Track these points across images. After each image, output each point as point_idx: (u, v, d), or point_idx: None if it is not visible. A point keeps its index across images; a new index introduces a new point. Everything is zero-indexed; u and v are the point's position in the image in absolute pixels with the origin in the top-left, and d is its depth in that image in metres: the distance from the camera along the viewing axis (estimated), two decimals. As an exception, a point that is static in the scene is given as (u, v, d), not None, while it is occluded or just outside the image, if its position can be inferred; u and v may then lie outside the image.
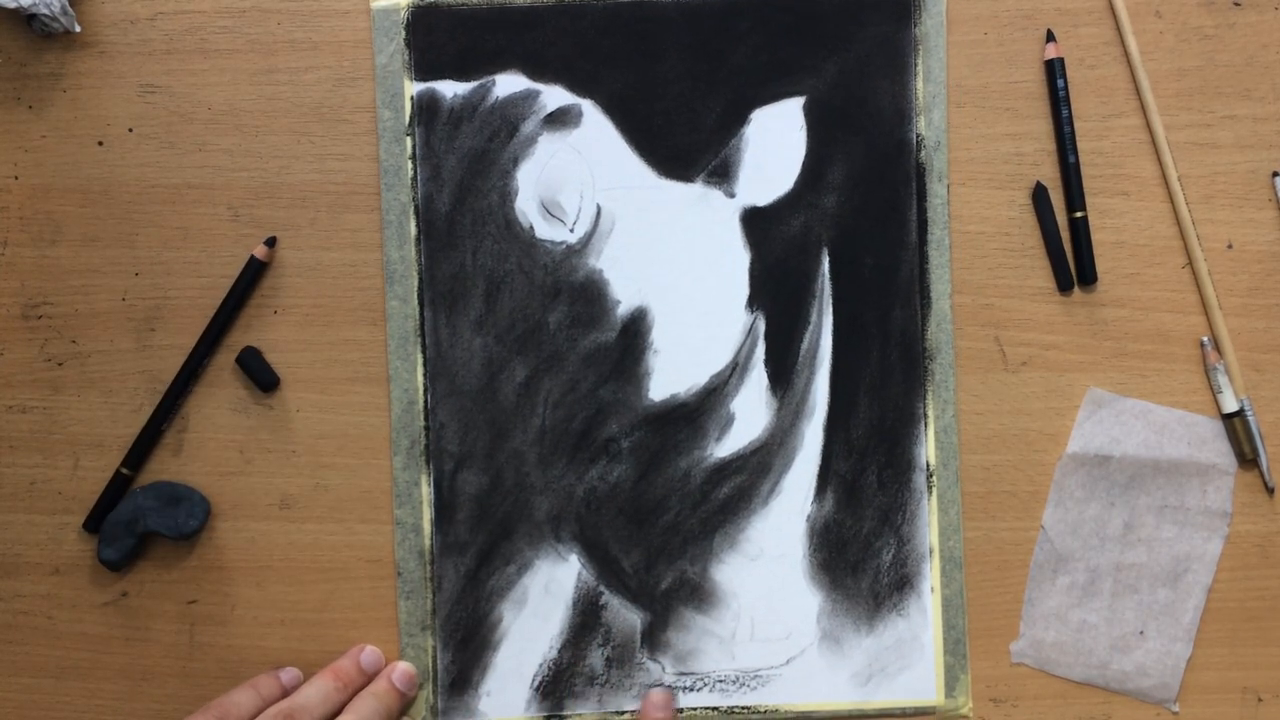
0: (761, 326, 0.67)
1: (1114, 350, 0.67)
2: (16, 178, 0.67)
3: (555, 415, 0.66)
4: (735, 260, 0.67)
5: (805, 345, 0.67)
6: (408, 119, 0.66)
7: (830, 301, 0.67)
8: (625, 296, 0.66)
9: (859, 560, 0.67)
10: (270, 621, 0.67)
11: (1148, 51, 0.67)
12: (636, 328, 0.66)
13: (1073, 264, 0.67)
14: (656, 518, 0.67)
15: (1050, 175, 0.67)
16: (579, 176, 0.66)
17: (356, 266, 0.67)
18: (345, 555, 0.67)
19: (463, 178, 0.66)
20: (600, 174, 0.66)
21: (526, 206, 0.66)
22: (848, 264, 0.67)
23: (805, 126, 0.67)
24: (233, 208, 0.66)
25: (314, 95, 0.67)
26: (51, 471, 0.67)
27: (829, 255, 0.67)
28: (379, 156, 0.66)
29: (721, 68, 0.66)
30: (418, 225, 0.66)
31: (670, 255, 0.67)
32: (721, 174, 0.66)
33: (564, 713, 0.66)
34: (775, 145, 0.67)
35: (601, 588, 0.66)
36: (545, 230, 0.66)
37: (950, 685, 0.67)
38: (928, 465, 0.67)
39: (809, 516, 0.67)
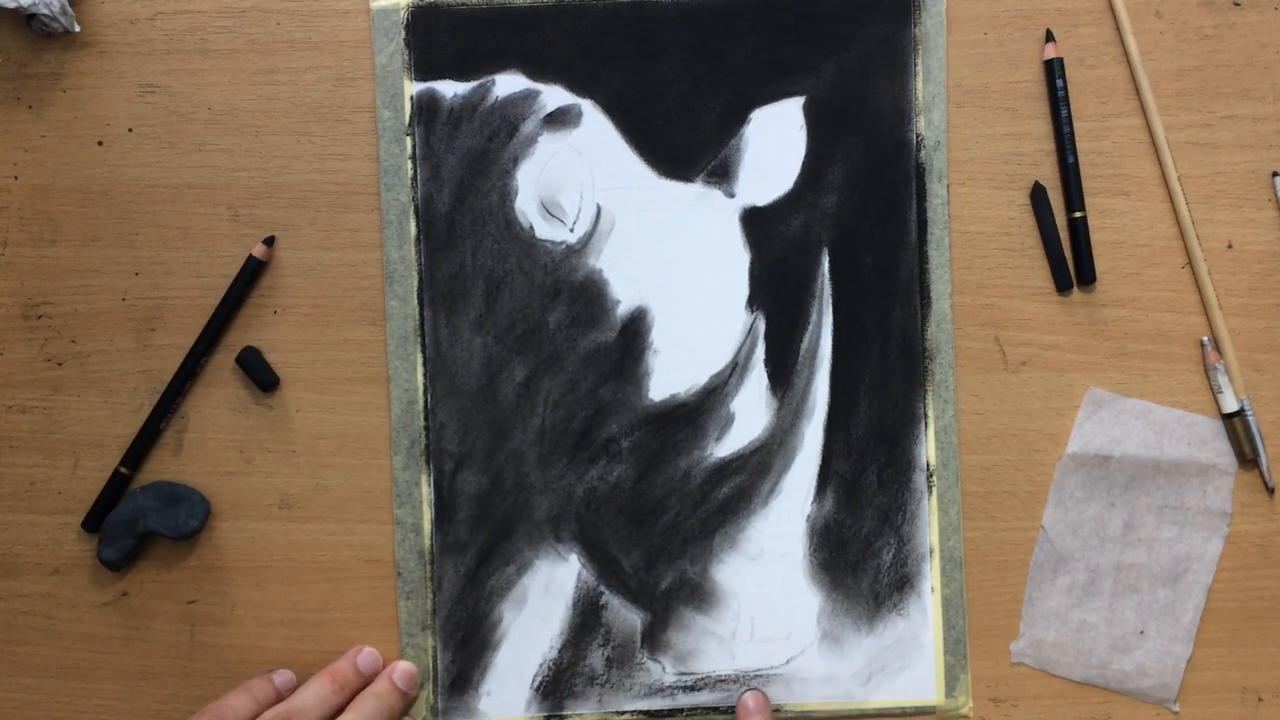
0: (761, 326, 0.67)
1: (1114, 350, 0.67)
2: (16, 178, 0.67)
3: (555, 415, 0.66)
4: (735, 260, 0.67)
5: (805, 345, 0.67)
6: (407, 119, 0.66)
7: (830, 301, 0.67)
8: (625, 296, 0.66)
9: (859, 560, 0.67)
10: (270, 621, 0.67)
11: (1148, 51, 0.67)
12: (636, 328, 0.66)
13: (1072, 264, 0.67)
14: (656, 518, 0.67)
15: (1050, 175, 0.67)
16: (579, 176, 0.66)
17: (356, 266, 0.67)
18: (345, 555, 0.67)
19: (462, 178, 0.66)
20: (600, 174, 0.66)
21: (526, 206, 0.66)
22: (848, 264, 0.67)
23: (805, 126, 0.67)
24: (232, 208, 0.66)
25: (314, 95, 0.67)
26: (51, 471, 0.67)
27: (829, 255, 0.67)
28: (379, 156, 0.66)
29: (721, 68, 0.66)
30: (417, 225, 0.66)
31: (670, 255, 0.67)
32: (721, 174, 0.66)
33: (564, 713, 0.66)
34: (775, 145, 0.67)
35: (601, 588, 0.66)
36: (545, 230, 0.66)
37: (950, 685, 0.67)
38: (928, 465, 0.67)
39: (809, 516, 0.67)
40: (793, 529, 0.67)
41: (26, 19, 0.65)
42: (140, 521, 0.65)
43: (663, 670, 0.67)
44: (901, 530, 0.67)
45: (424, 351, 0.66)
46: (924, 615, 0.67)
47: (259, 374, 0.66)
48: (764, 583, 0.67)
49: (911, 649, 0.67)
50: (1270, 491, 0.67)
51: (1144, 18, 0.67)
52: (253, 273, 0.66)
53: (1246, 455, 0.67)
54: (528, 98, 0.66)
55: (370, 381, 0.67)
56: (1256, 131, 0.67)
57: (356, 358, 0.67)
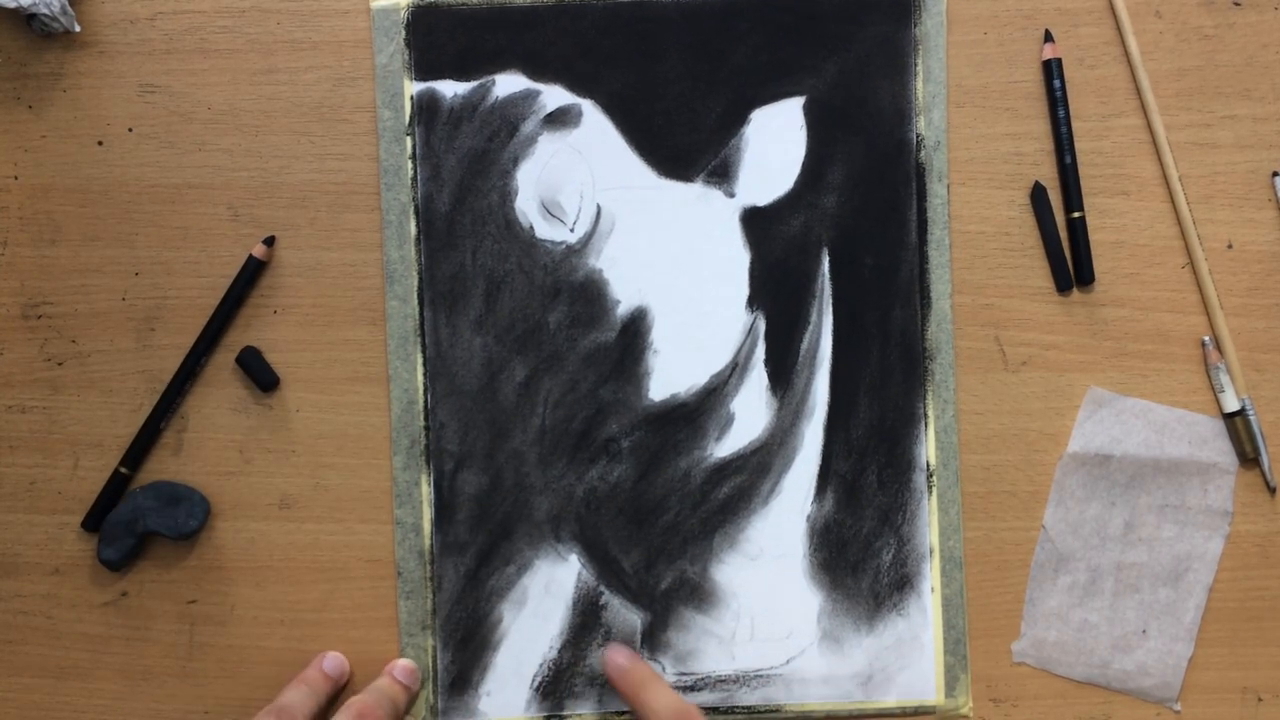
0: (761, 326, 0.67)
1: (1114, 350, 0.67)
2: (16, 178, 0.67)
3: (555, 415, 0.66)
4: (735, 260, 0.67)
5: (805, 345, 0.67)
6: (408, 119, 0.66)
7: (830, 301, 0.67)
8: (625, 296, 0.66)
9: (859, 560, 0.67)
10: (270, 621, 0.67)
11: (1148, 51, 0.67)
12: (636, 327, 0.66)
13: (1071, 264, 0.67)
14: (656, 518, 0.66)
15: (1050, 175, 0.67)
16: (579, 176, 0.66)
17: (356, 266, 0.67)
18: (345, 555, 0.67)
19: (463, 177, 0.66)
20: (600, 174, 0.66)
21: (526, 206, 0.66)
22: (848, 264, 0.67)
23: (805, 126, 0.67)
24: (232, 207, 0.66)
25: (314, 95, 0.67)
26: (51, 471, 0.67)
27: (829, 255, 0.67)
28: (379, 156, 0.66)
29: (721, 68, 0.66)
30: (418, 225, 0.66)
31: (670, 255, 0.67)
32: (721, 174, 0.66)
33: (564, 713, 0.66)
34: (775, 145, 0.67)
35: (601, 588, 0.66)
36: (545, 230, 0.66)
37: (950, 685, 0.67)
38: (928, 465, 0.67)
39: (809, 516, 0.67)
40: (793, 529, 0.67)
41: (26, 19, 0.65)
42: (140, 521, 0.65)
43: (663, 670, 0.66)
44: (901, 530, 0.67)
45: (424, 351, 0.66)
46: (924, 615, 0.67)
47: (259, 374, 0.66)
48: (764, 583, 0.67)
49: (911, 649, 0.67)
50: (1271, 491, 0.67)
51: (1144, 18, 0.67)
52: (253, 273, 0.66)
53: (1247, 454, 0.67)
54: (528, 98, 0.66)
55: (370, 381, 0.67)
56: (1256, 131, 0.67)
57: (356, 357, 0.67)
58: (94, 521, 0.66)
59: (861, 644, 0.67)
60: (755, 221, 0.67)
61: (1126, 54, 0.67)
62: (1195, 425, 0.67)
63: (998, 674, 0.67)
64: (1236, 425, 0.66)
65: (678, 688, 0.66)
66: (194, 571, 0.67)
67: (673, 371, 0.67)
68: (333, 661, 0.65)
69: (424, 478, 0.66)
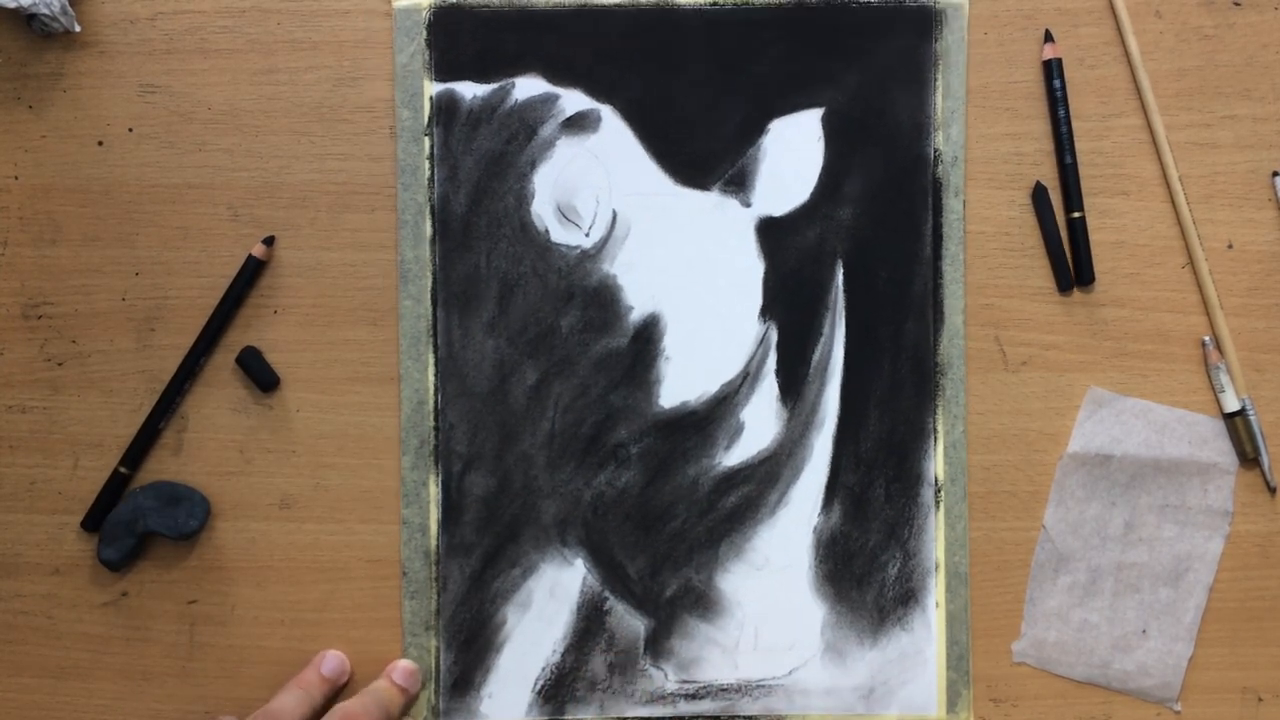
0: (774, 336, 0.67)
1: (1114, 350, 0.67)
2: (16, 178, 0.67)
3: (565, 419, 0.66)
4: (749, 269, 0.67)
5: (817, 356, 0.67)
6: (426, 119, 0.66)
7: (843, 313, 0.67)
8: (638, 302, 0.66)
9: (865, 573, 0.67)
10: (270, 621, 0.67)
11: (1148, 51, 0.67)
12: (649, 334, 0.66)
13: (1072, 264, 0.67)
14: (663, 525, 0.66)
15: (1050, 175, 0.67)
16: (596, 181, 0.66)
17: (357, 266, 0.67)
18: (345, 555, 0.67)
19: (480, 179, 0.66)
20: (617, 179, 0.66)
21: (542, 210, 0.66)
22: (862, 276, 0.67)
23: (823, 138, 0.67)
24: (232, 207, 0.66)
25: (314, 95, 0.67)
26: (51, 471, 0.67)
27: (843, 267, 0.67)
28: (396, 156, 0.66)
29: (741, 77, 0.66)
30: (433, 226, 0.66)
31: (685, 263, 0.66)
32: (738, 183, 0.66)
33: (565, 717, 0.66)
34: (793, 156, 0.67)
35: (606, 593, 0.66)
36: (560, 234, 0.66)
37: (952, 700, 0.67)
38: (936, 480, 0.67)
39: (816, 528, 0.67)
40: (799, 540, 0.67)
41: (26, 19, 0.65)
42: (140, 521, 0.65)
43: (665, 677, 0.66)
44: (908, 544, 0.67)
45: (435, 352, 0.66)
46: (928, 630, 0.67)
47: (259, 374, 0.66)
48: (769, 593, 0.67)
49: (914, 663, 0.67)
50: (1271, 491, 0.67)
51: (1144, 18, 0.67)
52: (252, 272, 0.66)
53: (1248, 454, 0.67)
54: (547, 101, 0.66)
55: (370, 381, 0.67)
56: (1256, 131, 0.67)
57: (357, 357, 0.67)
58: (94, 521, 0.66)
59: (864, 657, 0.67)
60: (770, 231, 0.67)
61: (1126, 54, 0.67)
62: (1195, 425, 0.67)
63: (998, 674, 0.67)
64: (1236, 425, 0.67)
65: (680, 695, 0.66)
66: (194, 571, 0.67)
67: (684, 379, 0.66)
68: (331, 662, 0.65)
69: (432, 478, 0.66)
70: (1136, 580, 0.67)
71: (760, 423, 0.66)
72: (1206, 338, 0.67)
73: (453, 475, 0.66)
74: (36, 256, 0.67)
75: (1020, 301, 0.67)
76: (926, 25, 0.66)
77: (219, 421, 0.67)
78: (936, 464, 0.67)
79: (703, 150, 0.66)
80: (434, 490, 0.66)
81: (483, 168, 0.66)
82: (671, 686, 0.66)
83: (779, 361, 0.66)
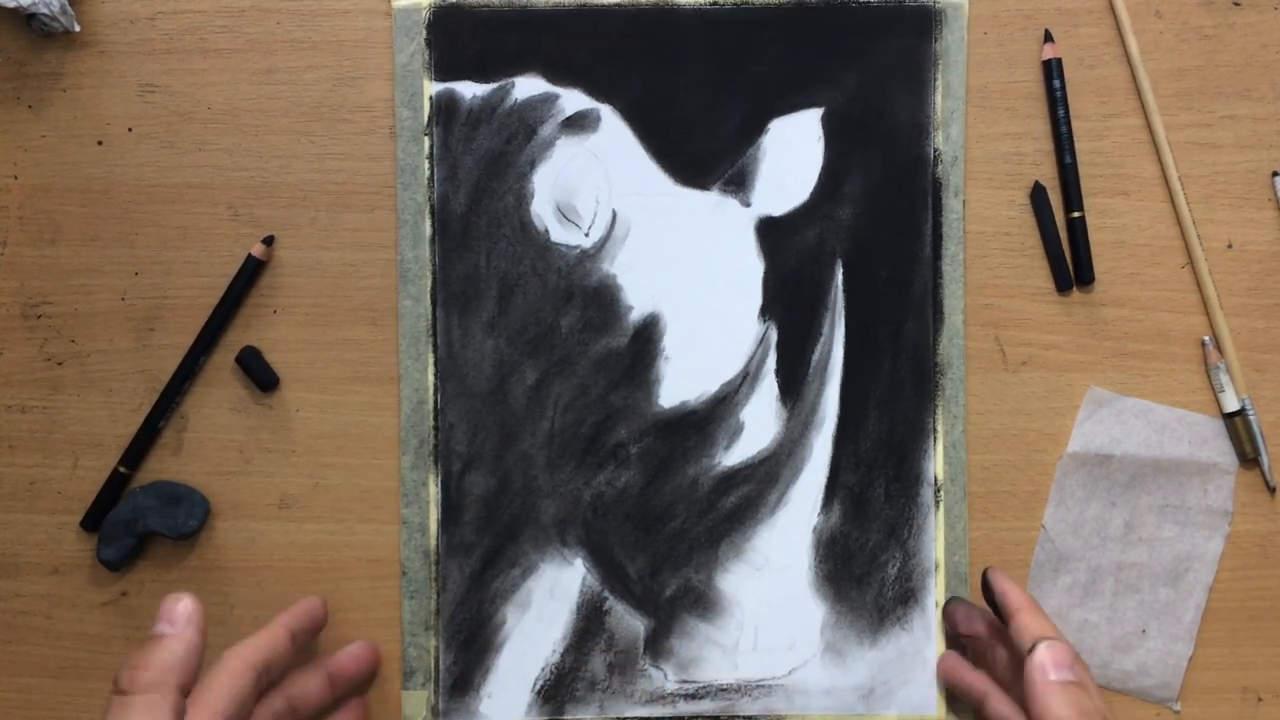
0: (773, 336, 0.67)
1: (1114, 350, 0.67)
2: (16, 177, 0.67)
3: (565, 419, 0.66)
4: (749, 269, 0.67)
5: (816, 356, 0.67)
6: (426, 119, 0.66)
7: (843, 313, 0.66)
8: (638, 302, 0.66)
9: (864, 573, 0.67)
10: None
11: (1148, 51, 0.67)
12: (649, 334, 0.66)
13: (1071, 264, 0.67)
14: (663, 524, 0.66)
15: (1050, 175, 0.67)
16: (595, 181, 0.66)
17: (356, 266, 0.67)
18: (345, 555, 0.67)
19: (479, 179, 0.66)
20: (617, 179, 0.66)
21: (542, 209, 0.66)
22: (861, 276, 0.67)
23: (823, 138, 0.67)
24: (232, 207, 0.66)
25: (314, 95, 0.67)
26: (51, 471, 0.67)
27: (843, 267, 0.67)
28: (396, 155, 0.66)
29: (741, 77, 0.66)
30: (433, 225, 0.66)
31: (684, 262, 0.66)
32: (738, 183, 0.66)
33: (564, 717, 0.66)
34: (792, 156, 0.67)
35: (606, 593, 0.66)
36: (560, 234, 0.66)
37: (951, 701, 0.67)
38: (935, 480, 0.67)
39: (815, 528, 0.67)
40: (799, 540, 0.67)
41: (26, 19, 0.65)
42: (140, 521, 0.65)
43: (664, 677, 0.66)
44: (907, 544, 0.67)
45: (435, 352, 0.66)
46: (927, 630, 0.67)
47: (259, 374, 0.66)
48: (768, 593, 0.67)
49: (914, 663, 0.67)
50: (1271, 491, 0.67)
51: (1144, 18, 0.67)
52: (252, 272, 0.66)
53: (1247, 454, 0.67)
54: (547, 101, 0.66)
55: (370, 381, 0.67)
56: (1256, 131, 0.67)
57: (356, 357, 0.67)
58: (93, 521, 0.66)
59: (864, 657, 0.67)
60: (770, 231, 0.67)
61: (1126, 54, 0.67)
62: (1195, 425, 0.67)
63: (998, 674, 0.67)
64: (1236, 425, 0.67)
65: (679, 695, 0.66)
66: (194, 571, 0.67)
67: (683, 379, 0.66)
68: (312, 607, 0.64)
69: (432, 478, 0.66)
70: (1136, 580, 0.67)
71: (760, 423, 0.66)
72: (1206, 338, 0.67)
73: (452, 475, 0.66)
74: (36, 256, 0.67)
75: (1020, 301, 0.67)
76: (926, 25, 0.66)
77: (219, 421, 0.67)
78: (936, 464, 0.67)
79: (702, 150, 0.66)
80: (434, 490, 0.66)
81: (482, 167, 0.66)
82: (671, 686, 0.66)
83: (779, 361, 0.66)
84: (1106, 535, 0.67)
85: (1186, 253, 0.67)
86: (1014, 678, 0.61)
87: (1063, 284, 0.67)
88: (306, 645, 0.64)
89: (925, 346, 0.67)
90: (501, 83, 0.66)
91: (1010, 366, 0.67)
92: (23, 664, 0.67)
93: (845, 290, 0.66)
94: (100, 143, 0.67)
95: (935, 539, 0.67)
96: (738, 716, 0.66)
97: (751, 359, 0.66)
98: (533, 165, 0.66)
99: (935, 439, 0.67)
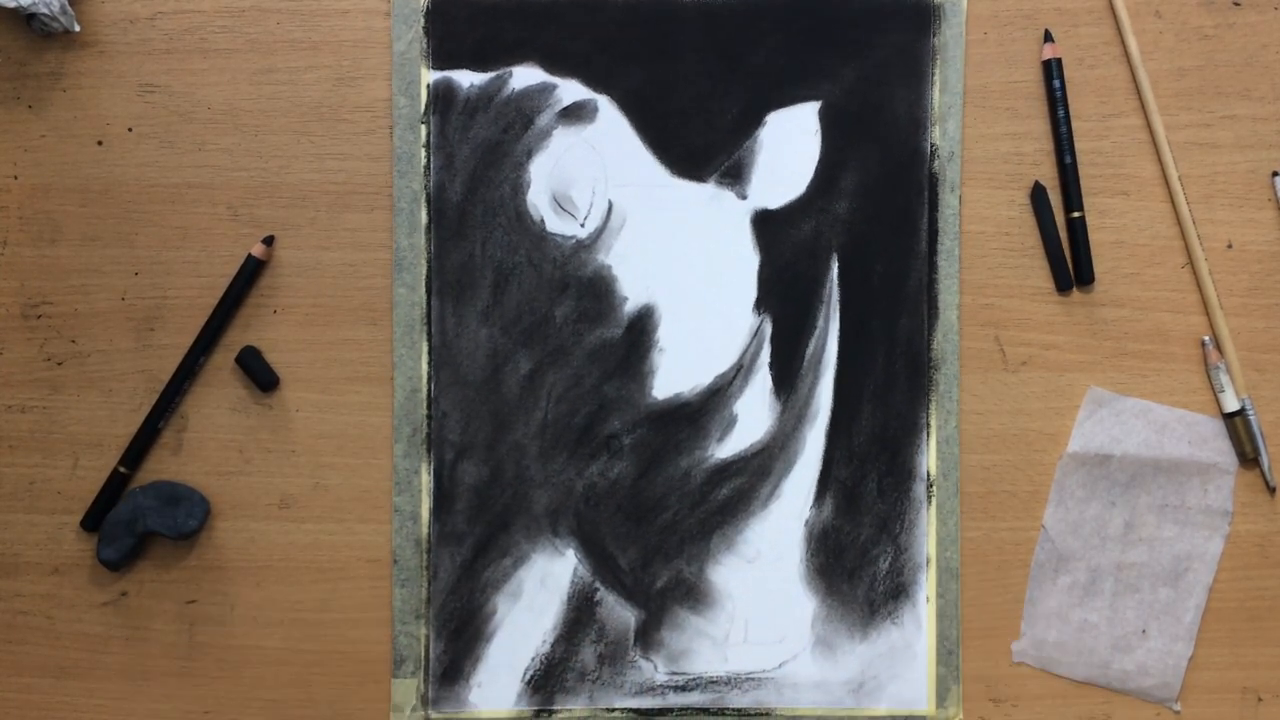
0: (768, 329, 0.67)
1: (1114, 350, 0.67)
2: (16, 177, 0.67)
3: (558, 409, 0.66)
4: (744, 262, 0.67)
5: (811, 350, 0.67)
6: (423, 107, 0.66)
7: (838, 307, 0.67)
8: (633, 293, 0.66)
9: (856, 567, 0.67)
10: (269, 621, 0.67)
11: (1148, 51, 0.67)
12: (643, 325, 0.66)
13: (1071, 264, 0.67)
14: (655, 516, 0.66)
15: (1050, 175, 0.67)
16: (592, 171, 0.66)
17: (356, 265, 0.67)
18: (344, 555, 0.67)
19: (475, 168, 0.66)
20: (613, 170, 0.66)
21: (538, 199, 0.66)
22: (857, 270, 0.67)
23: (820, 131, 0.67)
24: (232, 207, 0.67)
25: (314, 95, 0.67)
26: (51, 471, 0.67)
27: (838, 261, 0.67)
28: (392, 143, 0.66)
29: (739, 69, 0.66)
30: (428, 214, 0.66)
31: (680, 254, 0.66)
32: (734, 175, 0.66)
33: (554, 707, 0.66)
34: (789, 149, 0.67)
35: (597, 584, 0.66)
36: (556, 224, 0.66)
37: (941, 695, 0.67)
38: (928, 475, 0.67)
39: (807, 521, 0.67)
40: (790, 533, 0.67)
41: (26, 19, 0.65)
42: (140, 521, 0.65)
43: (654, 669, 0.66)
44: (899, 539, 0.67)
45: (429, 340, 0.66)
46: (918, 625, 0.67)
47: (259, 374, 0.66)
48: (760, 585, 0.67)
49: (904, 658, 0.67)
50: (1271, 491, 0.67)
51: (1144, 18, 0.67)
52: (252, 272, 0.66)
53: (1247, 454, 0.67)
54: (544, 91, 0.66)
55: (370, 381, 0.67)
56: (1256, 131, 0.67)
57: (356, 357, 0.67)
58: (93, 521, 0.66)
59: (854, 650, 0.67)
60: (766, 224, 0.67)
61: (1126, 54, 0.67)
62: (1195, 425, 0.67)
63: (997, 674, 0.67)
64: (1236, 425, 0.66)
65: (669, 687, 0.66)
66: (194, 571, 0.67)
67: (677, 371, 0.67)
68: None
69: (424, 467, 0.66)
70: (1136, 580, 0.67)
71: (753, 415, 0.66)
72: (1206, 338, 0.67)
73: (445, 464, 0.66)
74: (36, 256, 0.67)
75: (1020, 301, 0.67)
76: (925, 20, 0.67)
77: (218, 421, 0.67)
78: (929, 459, 0.67)
79: (699, 142, 0.66)
80: (426, 479, 0.66)
81: (479, 156, 0.66)
82: (661, 678, 0.66)
83: (773, 354, 0.66)
84: (1106, 535, 0.67)
85: (1186, 253, 0.67)
86: None
87: (1063, 284, 0.67)
88: None
89: (920, 342, 0.67)
90: (499, 72, 0.66)
91: (1010, 366, 0.67)
92: (23, 664, 0.67)
93: (840, 284, 0.66)
94: (100, 143, 0.67)
95: (927, 534, 0.67)
96: (727, 709, 0.66)
97: (745, 352, 0.66)
98: (529, 155, 0.66)
99: (928, 434, 0.67)
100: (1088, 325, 0.67)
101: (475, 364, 0.66)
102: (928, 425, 0.67)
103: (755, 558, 0.67)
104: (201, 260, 0.67)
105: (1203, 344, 0.67)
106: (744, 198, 0.66)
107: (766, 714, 0.67)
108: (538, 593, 0.66)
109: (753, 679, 0.67)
